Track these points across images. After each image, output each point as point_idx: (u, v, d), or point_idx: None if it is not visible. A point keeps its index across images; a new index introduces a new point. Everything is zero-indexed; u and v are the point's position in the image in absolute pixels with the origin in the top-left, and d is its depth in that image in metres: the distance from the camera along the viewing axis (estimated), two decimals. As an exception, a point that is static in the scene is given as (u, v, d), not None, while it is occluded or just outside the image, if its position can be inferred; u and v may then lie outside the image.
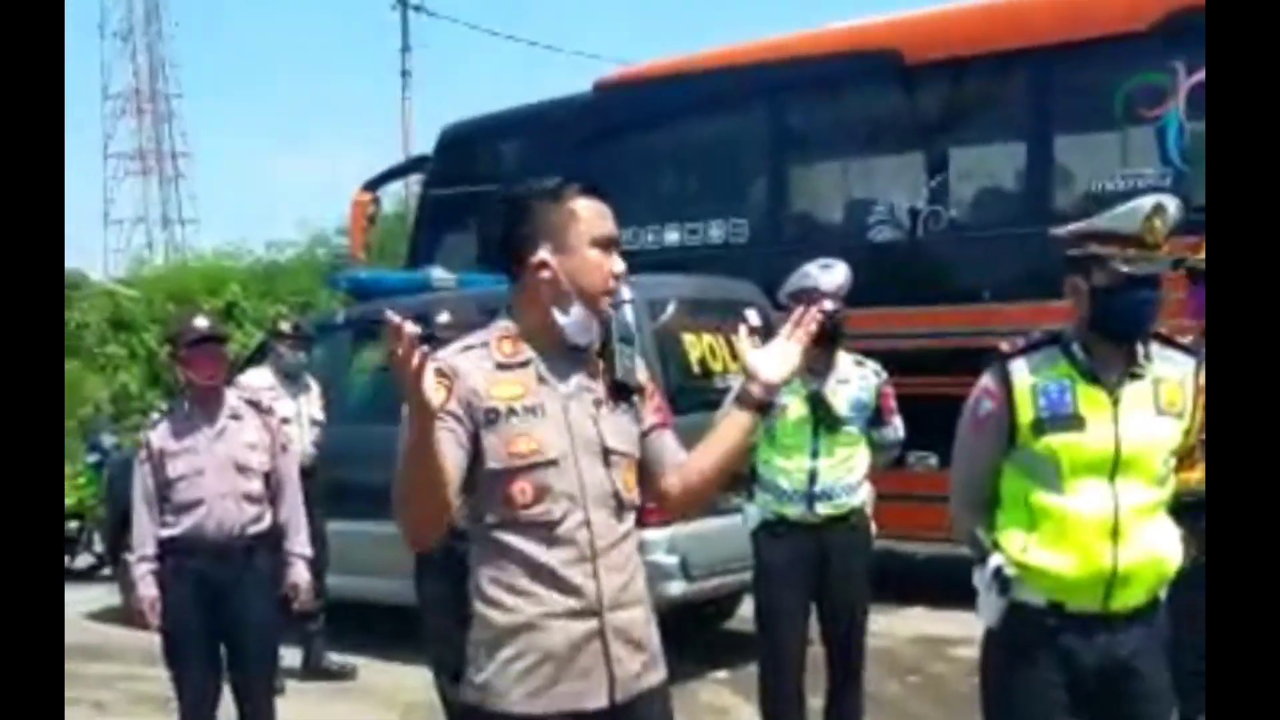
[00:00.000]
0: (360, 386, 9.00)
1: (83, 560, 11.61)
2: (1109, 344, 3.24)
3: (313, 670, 7.56)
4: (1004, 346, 3.35)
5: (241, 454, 5.06)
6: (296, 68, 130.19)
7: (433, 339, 5.51)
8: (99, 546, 11.11)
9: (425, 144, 13.29)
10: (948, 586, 5.46)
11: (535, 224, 2.75)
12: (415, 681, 6.54)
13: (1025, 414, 3.24)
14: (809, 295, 5.14)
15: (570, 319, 2.75)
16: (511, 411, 2.70)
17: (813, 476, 5.06)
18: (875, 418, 5.25)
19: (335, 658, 7.63)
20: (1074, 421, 3.20)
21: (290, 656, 6.90)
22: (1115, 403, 3.21)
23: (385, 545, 6.37)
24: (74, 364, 18.59)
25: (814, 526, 5.10)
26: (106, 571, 10.38)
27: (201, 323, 5.15)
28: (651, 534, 6.34)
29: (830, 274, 5.20)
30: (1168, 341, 3.32)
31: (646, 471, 2.87)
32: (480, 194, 11.18)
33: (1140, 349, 3.25)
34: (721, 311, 7.89)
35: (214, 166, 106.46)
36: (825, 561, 5.12)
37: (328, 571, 7.16)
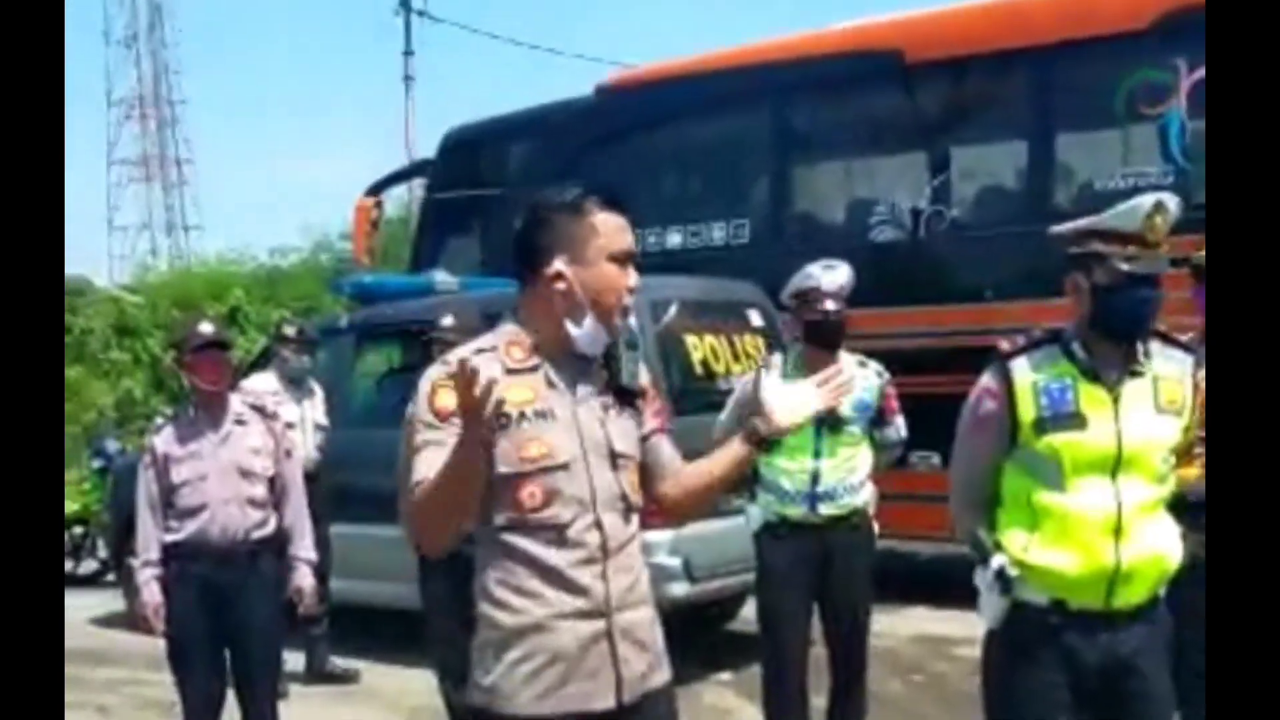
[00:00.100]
0: (363, 391, 9.01)
1: (87, 565, 11.62)
2: (1109, 342, 3.24)
3: (316, 674, 7.56)
4: (1004, 345, 3.35)
5: (246, 459, 5.06)
6: (299, 73, 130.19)
7: (435, 342, 5.57)
8: (103, 551, 11.12)
9: (428, 148, 13.30)
10: (950, 586, 5.46)
11: (553, 235, 2.75)
12: (419, 685, 6.54)
13: (1027, 413, 3.23)
14: (811, 295, 5.16)
15: (583, 330, 2.76)
16: (523, 416, 2.71)
17: (815, 477, 5.06)
18: (878, 418, 5.26)
19: (339, 662, 7.63)
20: (1075, 420, 3.20)
21: (294, 661, 6.89)
22: (1116, 401, 3.21)
23: (388, 549, 6.43)
24: (78, 370, 18.65)
25: (816, 527, 5.10)
26: (111, 577, 10.38)
27: (206, 328, 5.16)
28: (654, 535, 6.32)
29: (832, 274, 5.20)
30: (1166, 339, 3.33)
31: (643, 475, 2.88)
32: (483, 198, 11.21)
33: (1140, 347, 3.25)
34: (724, 313, 7.91)
35: (218, 172, 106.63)
36: (828, 562, 5.12)
37: (331, 575, 7.16)
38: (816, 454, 5.07)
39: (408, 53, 26.70)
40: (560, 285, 2.74)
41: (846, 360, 5.23)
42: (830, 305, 5.13)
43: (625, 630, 2.74)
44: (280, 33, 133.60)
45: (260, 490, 5.09)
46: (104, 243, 56.73)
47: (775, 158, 10.17)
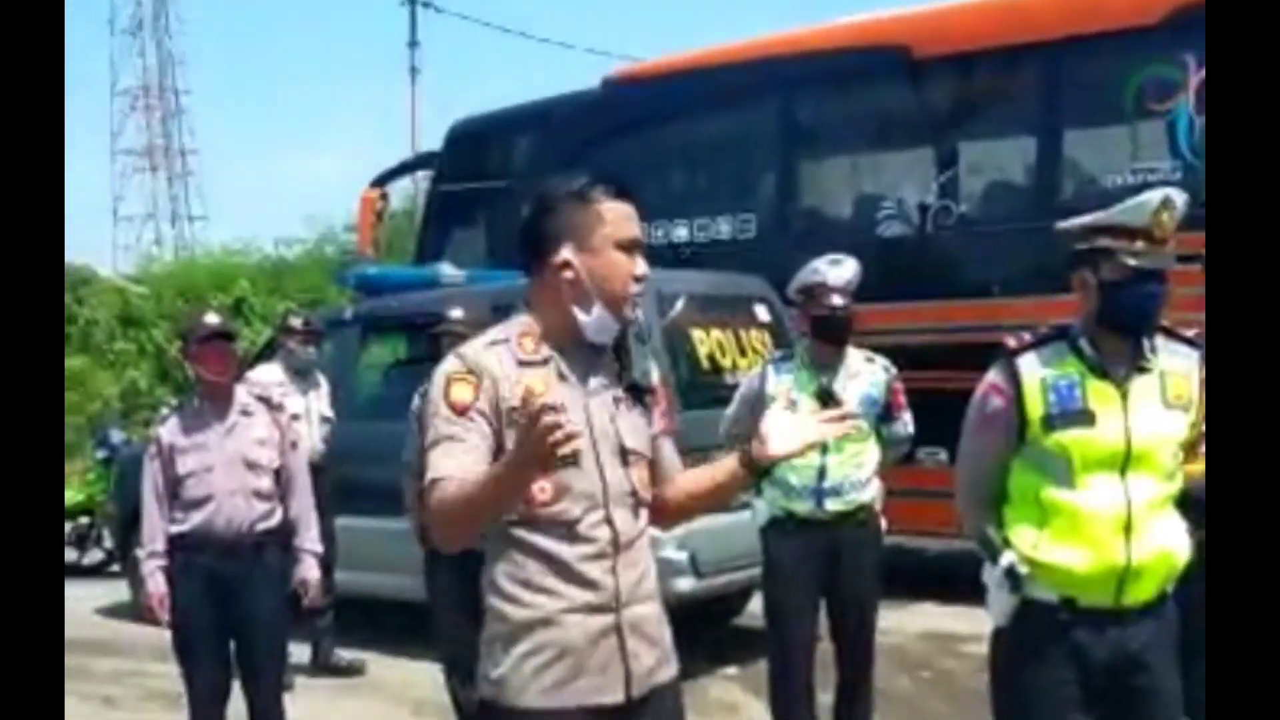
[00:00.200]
0: (368, 383, 9.01)
1: (92, 556, 11.63)
2: (1116, 338, 3.23)
3: (322, 666, 7.56)
4: (1010, 342, 3.34)
5: (251, 450, 5.06)
6: (305, 64, 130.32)
7: (445, 334, 5.56)
8: (109, 542, 11.13)
9: (434, 140, 13.31)
10: (957, 582, 5.45)
11: (560, 223, 2.75)
12: (424, 678, 6.55)
13: (1035, 410, 3.23)
14: (818, 290, 5.15)
15: (591, 318, 2.75)
16: None
17: (822, 473, 5.05)
18: (885, 413, 5.25)
19: (344, 654, 7.63)
20: (1084, 417, 3.20)
21: (299, 653, 6.90)
22: (1124, 397, 3.20)
23: (394, 541, 6.45)
24: (83, 360, 18.67)
25: (823, 523, 5.10)
26: (116, 567, 10.39)
27: (212, 319, 5.16)
28: (661, 530, 6.34)
29: (839, 269, 5.19)
30: (1171, 334, 3.32)
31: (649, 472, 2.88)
32: (489, 190, 11.20)
33: (1146, 342, 3.25)
34: (730, 307, 7.90)
35: (222, 163, 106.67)
36: (835, 558, 5.11)
37: (336, 568, 7.16)
38: (824, 449, 5.05)
39: (413, 44, 26.74)
40: (568, 274, 2.73)
41: (853, 355, 5.23)
42: (837, 300, 5.12)
43: (634, 625, 2.74)
44: (286, 23, 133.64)
45: (266, 482, 5.09)
46: (109, 232, 56.83)
47: (782, 152, 10.15)
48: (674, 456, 2.96)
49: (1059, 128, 8.92)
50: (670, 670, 2.85)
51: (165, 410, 5.33)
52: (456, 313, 5.73)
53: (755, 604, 6.75)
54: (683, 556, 6.76)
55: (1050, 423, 3.21)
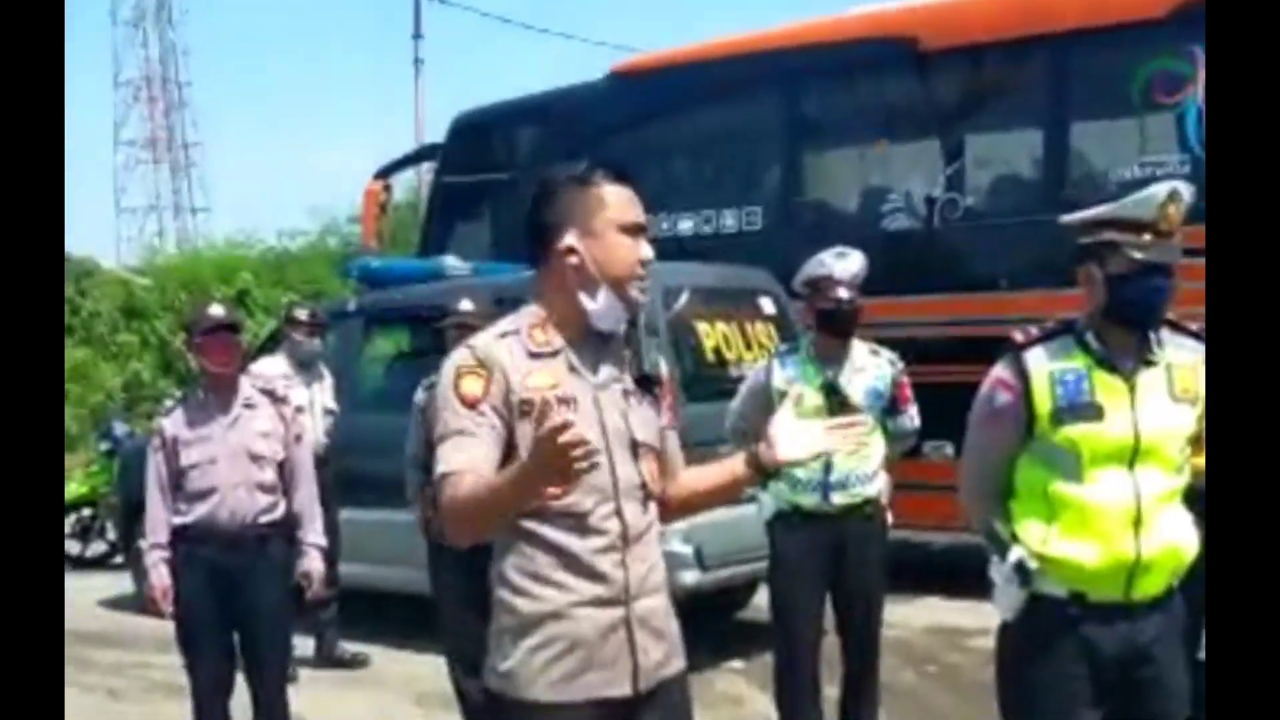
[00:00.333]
0: (371, 375, 9.00)
1: (96, 548, 11.64)
2: (1123, 331, 3.21)
3: (325, 659, 7.56)
4: (1017, 336, 3.32)
5: (255, 443, 5.05)
6: (308, 55, 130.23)
7: (455, 326, 5.54)
8: (112, 534, 11.14)
9: (437, 132, 13.26)
10: (964, 576, 5.44)
11: (562, 210, 2.74)
12: (428, 670, 6.54)
13: (1043, 405, 3.21)
14: (824, 284, 5.13)
15: (598, 304, 2.74)
16: (544, 403, 2.68)
17: (828, 466, 5.02)
18: (891, 407, 5.23)
19: (348, 647, 7.63)
20: (1093, 411, 3.18)
21: (303, 645, 6.90)
22: (1131, 390, 3.19)
23: (398, 534, 6.44)
24: (86, 352, 18.68)
25: (829, 516, 5.08)
26: (119, 559, 10.39)
27: (217, 311, 5.14)
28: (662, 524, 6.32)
29: (845, 262, 5.17)
30: (1178, 327, 3.30)
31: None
32: (493, 182, 11.18)
33: (1153, 336, 3.23)
34: (736, 300, 7.88)
35: (225, 154, 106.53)
36: (841, 551, 5.10)
37: (340, 560, 7.16)
38: (830, 442, 5.03)
39: (417, 36, 26.67)
40: (572, 259, 2.72)
41: (859, 348, 5.21)
42: (843, 293, 5.10)
43: (643, 618, 2.73)
44: (289, 14, 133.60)
45: (269, 474, 5.07)
46: (112, 224, 56.91)
47: (788, 144, 10.13)
48: (677, 451, 2.96)
49: (1066, 121, 8.90)
50: (678, 664, 2.84)
51: (169, 402, 5.31)
52: (467, 304, 5.71)
53: (761, 597, 6.74)
54: (688, 550, 6.74)
55: (1059, 417, 3.19)
